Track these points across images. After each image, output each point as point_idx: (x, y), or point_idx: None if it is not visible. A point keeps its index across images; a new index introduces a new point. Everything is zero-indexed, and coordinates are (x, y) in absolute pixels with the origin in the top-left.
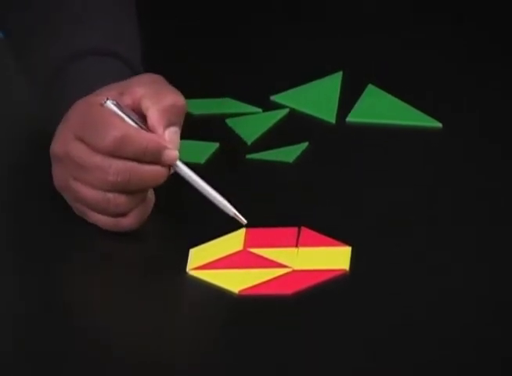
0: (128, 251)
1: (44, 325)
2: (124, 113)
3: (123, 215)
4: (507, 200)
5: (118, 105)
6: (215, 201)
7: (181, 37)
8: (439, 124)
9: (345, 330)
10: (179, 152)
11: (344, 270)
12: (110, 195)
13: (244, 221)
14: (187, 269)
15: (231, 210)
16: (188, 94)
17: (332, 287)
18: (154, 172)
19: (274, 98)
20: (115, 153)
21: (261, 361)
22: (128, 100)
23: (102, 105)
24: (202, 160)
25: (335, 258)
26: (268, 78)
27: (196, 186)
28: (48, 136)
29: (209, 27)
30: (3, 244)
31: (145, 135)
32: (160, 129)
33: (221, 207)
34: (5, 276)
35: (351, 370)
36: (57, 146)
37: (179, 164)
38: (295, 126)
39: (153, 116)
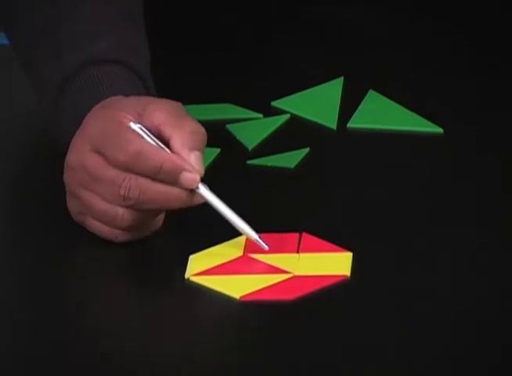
0: (127, 257)
1: (43, 327)
2: (149, 136)
3: (126, 229)
4: (508, 205)
5: (143, 129)
6: (238, 228)
7: (182, 43)
8: (440, 130)
9: (346, 335)
10: (202, 177)
11: (346, 276)
12: (120, 209)
13: (266, 247)
14: (186, 275)
15: (253, 236)
16: (189, 100)
17: (333, 292)
18: (168, 193)
19: (275, 104)
20: (130, 168)
21: (263, 366)
22: (146, 123)
23: (126, 125)
24: None
25: (336, 263)
26: (269, 84)
27: (221, 212)
28: (52, 141)
29: (210, 34)
30: (4, 246)
31: (163, 153)
32: (184, 152)
33: (244, 233)
34: (5, 278)
35: (351, 375)
36: (73, 156)
37: (202, 188)
38: (296, 132)
39: (178, 140)
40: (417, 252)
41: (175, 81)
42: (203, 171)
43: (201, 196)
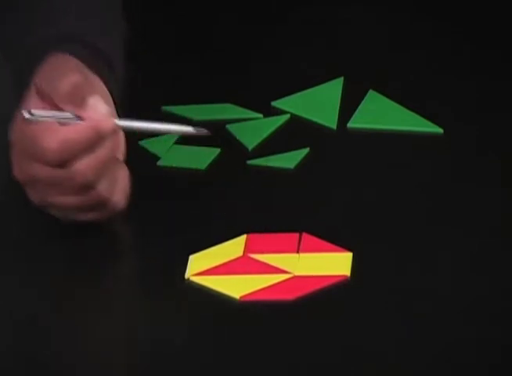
0: (127, 258)
1: (43, 327)
2: (50, 116)
3: (108, 200)
4: (508, 207)
5: (40, 113)
6: (171, 131)
7: (182, 43)
8: (440, 130)
9: (346, 335)
10: (112, 113)
11: (346, 276)
12: (93, 192)
13: (206, 131)
14: (186, 276)
15: (189, 130)
16: (189, 100)
17: (333, 292)
18: (110, 152)
19: (275, 104)
20: (69, 159)
21: (263, 367)
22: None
23: (29, 120)
24: (203, 166)
25: (336, 263)
26: (269, 84)
27: (151, 130)
28: None
29: (210, 34)
30: (4, 246)
31: (77, 129)
32: (81, 111)
33: (180, 133)
34: (5, 277)
35: (351, 375)
36: (18, 173)
37: (121, 123)
38: (296, 132)
39: (67, 106)
40: (417, 252)
41: (175, 81)
42: (110, 110)
43: (131, 127)
